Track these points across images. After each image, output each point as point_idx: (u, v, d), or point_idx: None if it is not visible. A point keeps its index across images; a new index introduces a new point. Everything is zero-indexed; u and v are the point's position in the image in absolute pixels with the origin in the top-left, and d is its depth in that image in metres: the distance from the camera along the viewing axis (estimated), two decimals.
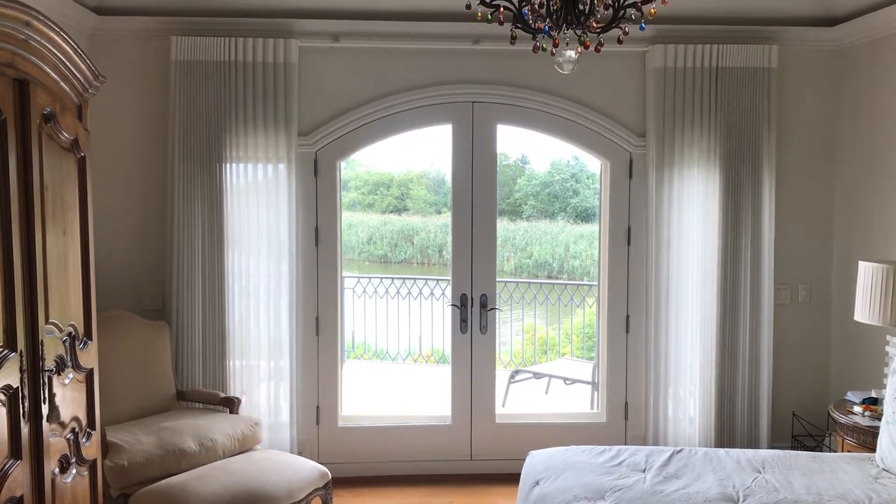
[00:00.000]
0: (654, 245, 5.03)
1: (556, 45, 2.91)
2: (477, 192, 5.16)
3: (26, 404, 2.64)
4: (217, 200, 4.83)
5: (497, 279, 5.30)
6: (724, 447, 4.99)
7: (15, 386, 2.57)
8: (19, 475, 2.60)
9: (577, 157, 11.95)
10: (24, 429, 2.63)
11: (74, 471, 3.06)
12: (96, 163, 3.81)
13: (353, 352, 8.50)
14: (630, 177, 5.11)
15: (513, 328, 9.11)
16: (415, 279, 8.58)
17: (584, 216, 12.24)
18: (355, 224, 12.44)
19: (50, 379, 2.78)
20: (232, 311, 4.91)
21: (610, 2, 2.79)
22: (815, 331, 5.29)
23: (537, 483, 3.59)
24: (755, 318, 5.05)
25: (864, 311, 4.09)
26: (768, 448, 4.95)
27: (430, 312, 8.10)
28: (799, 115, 5.17)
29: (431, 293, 8.22)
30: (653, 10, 2.78)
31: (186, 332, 4.84)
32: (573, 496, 3.34)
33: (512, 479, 4.58)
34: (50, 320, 2.83)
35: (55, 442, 2.87)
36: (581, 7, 2.79)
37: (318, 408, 5.03)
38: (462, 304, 5.19)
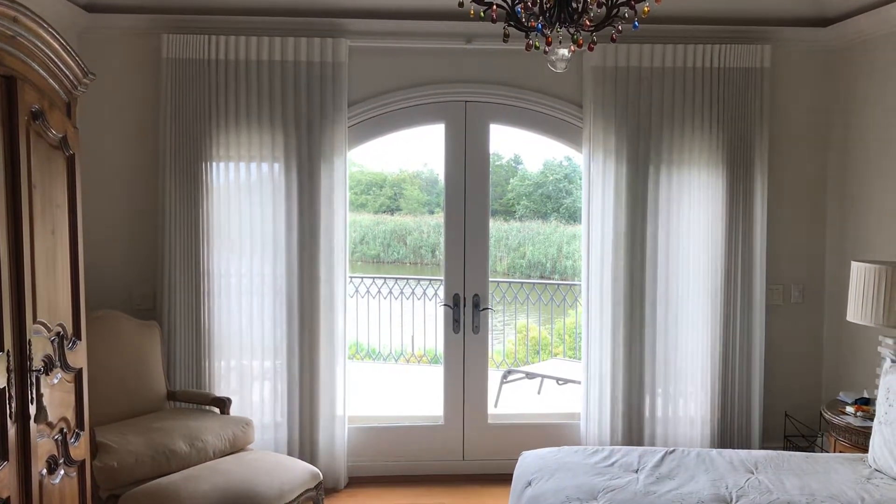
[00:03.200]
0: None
1: (549, 44, 2.89)
2: (470, 192, 5.15)
3: (13, 404, 2.61)
4: (206, 199, 4.81)
5: (490, 279, 5.28)
6: (716, 447, 4.99)
7: (1, 386, 2.55)
8: (6, 476, 2.58)
9: (570, 158, 11.94)
10: (11, 429, 2.60)
11: (63, 472, 3.03)
12: (86, 161, 3.78)
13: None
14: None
15: (505, 328, 9.10)
16: (407, 279, 8.56)
17: (576, 217, 12.24)
18: (348, 224, 12.43)
19: (38, 379, 2.75)
20: (225, 310, 4.88)
21: (603, 0, 2.77)
22: (808, 331, 5.29)
23: (530, 483, 3.58)
24: (747, 319, 5.05)
25: (857, 311, 4.09)
26: (760, 448, 4.95)
27: (423, 312, 8.09)
28: (791, 114, 5.18)
29: (424, 293, 8.20)
30: (646, 9, 2.77)
31: (178, 332, 4.81)
32: (566, 497, 3.33)
33: (504, 479, 4.57)
34: (38, 320, 2.80)
35: (43, 443, 2.84)
36: (574, 5, 2.78)
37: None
38: (455, 304, 5.18)
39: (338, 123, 4.86)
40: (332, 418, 4.99)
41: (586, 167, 5.05)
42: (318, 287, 4.91)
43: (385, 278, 8.58)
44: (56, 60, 2.95)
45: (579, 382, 6.65)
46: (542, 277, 11.98)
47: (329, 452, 4.98)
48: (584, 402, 5.16)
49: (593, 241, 5.07)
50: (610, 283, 5.03)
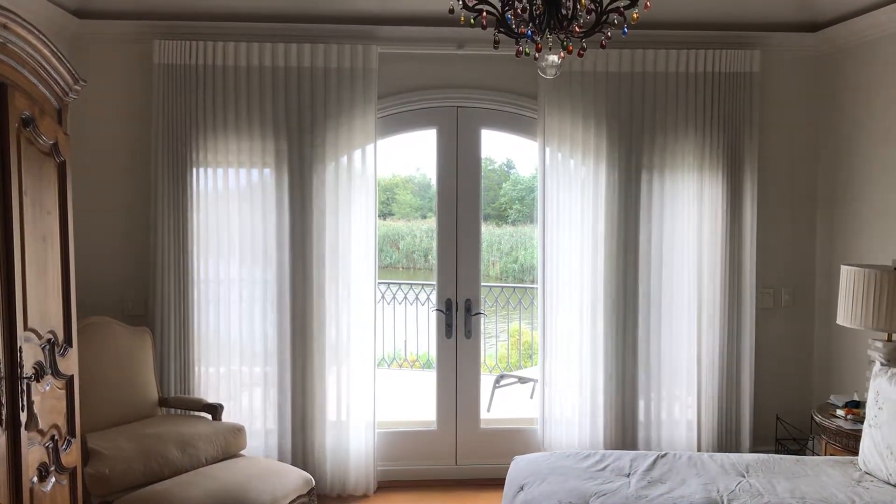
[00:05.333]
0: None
1: (538, 50, 2.91)
2: (462, 197, 5.16)
3: (4, 412, 2.61)
4: (199, 205, 4.81)
5: (482, 284, 5.29)
6: (707, 451, 5.01)
7: None
8: None
9: None
10: (2, 437, 2.60)
11: (54, 479, 3.02)
12: (77, 167, 3.78)
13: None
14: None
15: (498, 333, 9.09)
16: (400, 284, 8.55)
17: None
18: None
19: (28, 386, 2.75)
20: (216, 316, 4.87)
21: (592, 6, 2.79)
22: (799, 334, 5.31)
23: (522, 488, 3.58)
24: (737, 322, 5.06)
25: (847, 314, 4.11)
26: (751, 452, 4.96)
27: (416, 317, 8.08)
28: (781, 119, 5.20)
29: (416, 298, 8.20)
30: (635, 15, 2.79)
31: (170, 338, 4.79)
32: (557, 501, 3.33)
33: (497, 483, 4.57)
34: (29, 326, 2.80)
35: (34, 450, 2.83)
36: (564, 12, 2.79)
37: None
38: (447, 309, 5.18)
39: (368, 113, 4.85)
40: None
41: (540, 167, 5.03)
42: (312, 292, 4.92)
43: (377, 283, 8.56)
44: (47, 67, 2.95)
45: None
46: (534, 282, 11.97)
47: (336, 458, 4.98)
48: (541, 405, 5.14)
49: (593, 242, 5.07)
50: (601, 286, 5.03)
